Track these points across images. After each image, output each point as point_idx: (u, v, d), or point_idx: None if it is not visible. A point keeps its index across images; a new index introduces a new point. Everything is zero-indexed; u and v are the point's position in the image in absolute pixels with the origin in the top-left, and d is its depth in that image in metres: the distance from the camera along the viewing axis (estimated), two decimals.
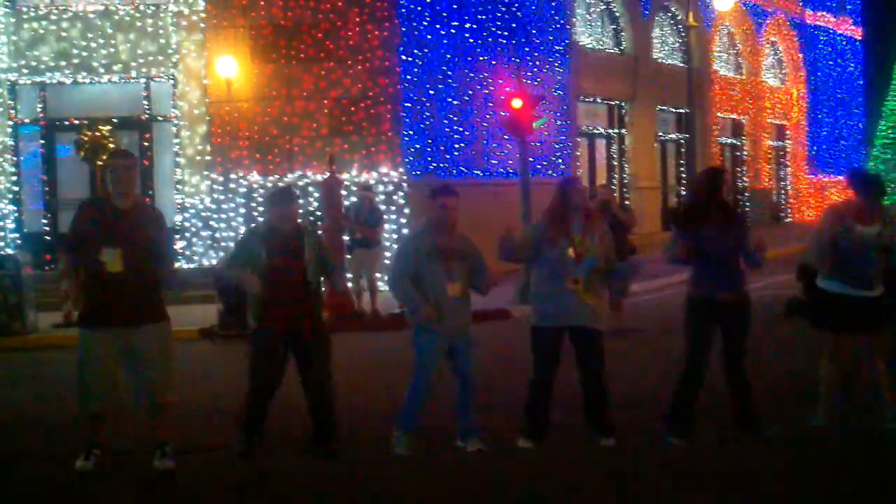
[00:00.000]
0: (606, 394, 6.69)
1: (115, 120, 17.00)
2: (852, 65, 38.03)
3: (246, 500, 5.95)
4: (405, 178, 16.48)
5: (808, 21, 34.57)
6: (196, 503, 6.03)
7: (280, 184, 16.25)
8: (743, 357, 6.64)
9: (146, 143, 17.24)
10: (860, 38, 38.68)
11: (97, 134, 16.78)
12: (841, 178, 36.28)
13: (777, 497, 5.55)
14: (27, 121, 17.16)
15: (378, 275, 13.42)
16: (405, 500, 5.85)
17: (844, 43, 37.28)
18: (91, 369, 6.23)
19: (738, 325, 6.62)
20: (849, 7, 37.77)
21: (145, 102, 17.19)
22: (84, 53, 16.74)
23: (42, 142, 17.19)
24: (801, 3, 33.94)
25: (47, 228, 17.07)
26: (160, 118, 17.26)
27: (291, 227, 6.68)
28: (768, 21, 32.10)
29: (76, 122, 16.93)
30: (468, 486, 6.03)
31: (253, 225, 6.71)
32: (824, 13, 35.61)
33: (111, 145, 16.82)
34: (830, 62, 36.23)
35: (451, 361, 6.70)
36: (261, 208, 16.30)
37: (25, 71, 16.82)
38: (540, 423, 6.67)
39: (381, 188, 16.21)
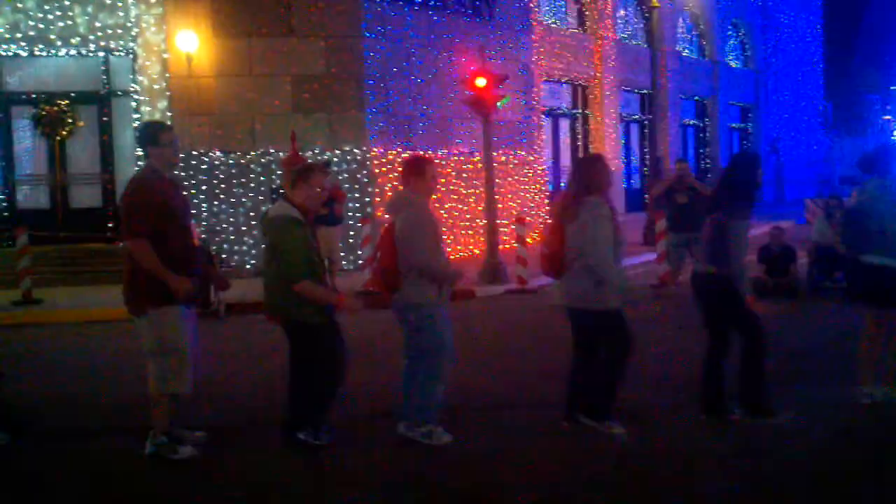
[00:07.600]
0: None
1: (73, 94, 16.76)
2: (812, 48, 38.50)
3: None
4: (368, 155, 16.43)
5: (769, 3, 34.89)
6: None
7: (242, 161, 16.17)
8: None
9: (105, 118, 17.02)
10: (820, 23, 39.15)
11: (55, 108, 16.61)
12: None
13: None
14: None
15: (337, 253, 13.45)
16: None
17: (803, 27, 37.70)
18: (186, 349, 5.91)
19: None
20: None
21: (104, 77, 16.94)
22: (41, 25, 16.43)
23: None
24: None
25: (5, 205, 16.79)
26: (119, 93, 17.01)
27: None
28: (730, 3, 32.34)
29: (34, 95, 16.67)
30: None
31: (288, 214, 5.99)
32: None
33: (70, 120, 16.70)
34: (791, 45, 36.65)
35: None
36: (223, 185, 16.20)
37: None
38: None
39: (344, 166, 16.15)
